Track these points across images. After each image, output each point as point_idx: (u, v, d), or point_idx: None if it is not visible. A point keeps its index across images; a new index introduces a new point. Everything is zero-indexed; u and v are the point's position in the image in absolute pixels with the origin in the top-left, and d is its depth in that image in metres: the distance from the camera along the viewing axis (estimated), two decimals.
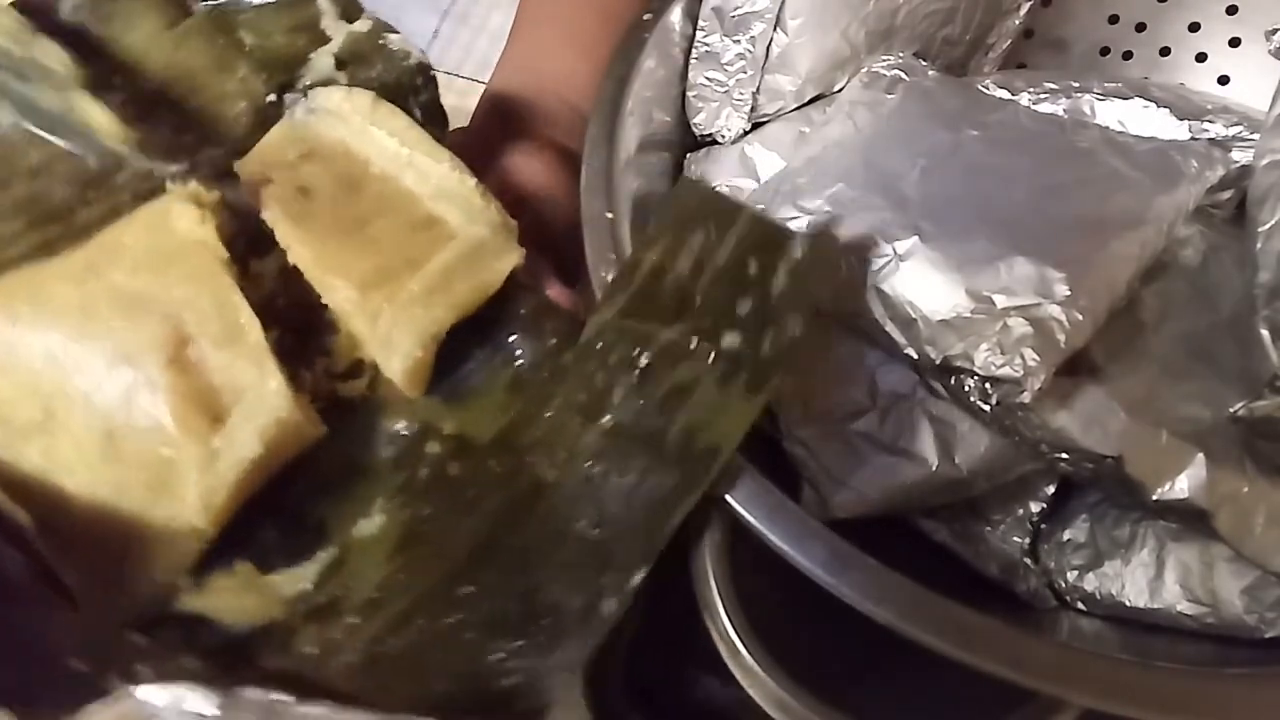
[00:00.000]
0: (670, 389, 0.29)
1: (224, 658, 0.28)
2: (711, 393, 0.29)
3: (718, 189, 0.31)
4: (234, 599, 0.30)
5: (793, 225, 0.34)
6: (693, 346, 0.29)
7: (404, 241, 0.33)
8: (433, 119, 0.39)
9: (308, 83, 0.38)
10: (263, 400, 0.31)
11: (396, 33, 0.39)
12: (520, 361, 0.33)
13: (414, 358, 0.32)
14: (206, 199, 0.34)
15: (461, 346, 0.33)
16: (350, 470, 0.32)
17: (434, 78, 0.39)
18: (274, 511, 0.31)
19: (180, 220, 0.33)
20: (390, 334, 0.32)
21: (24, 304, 0.32)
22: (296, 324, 0.34)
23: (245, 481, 0.30)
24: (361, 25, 0.39)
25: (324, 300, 0.33)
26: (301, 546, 0.31)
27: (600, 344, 0.31)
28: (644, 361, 0.30)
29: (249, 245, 0.34)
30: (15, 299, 0.32)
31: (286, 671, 0.28)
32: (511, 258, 0.33)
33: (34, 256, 0.33)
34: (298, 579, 0.30)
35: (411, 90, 0.38)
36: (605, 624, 0.28)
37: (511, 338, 0.33)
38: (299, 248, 0.33)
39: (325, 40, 0.39)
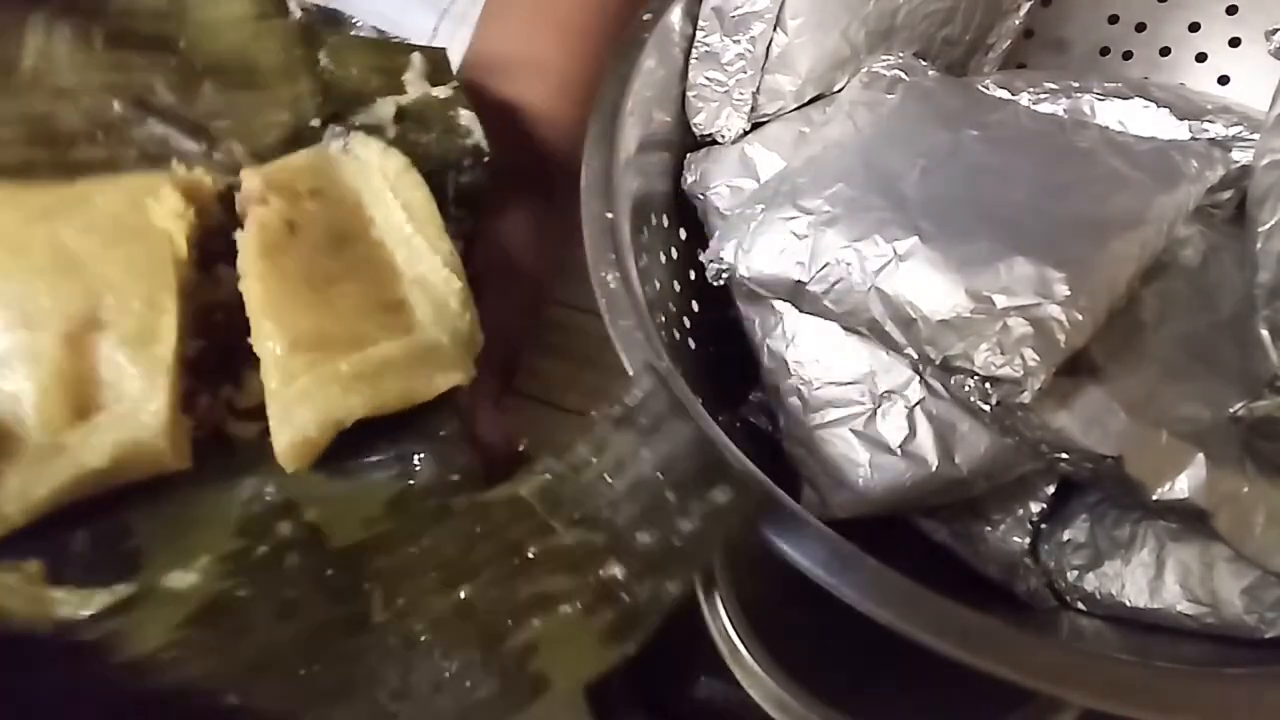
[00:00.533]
0: (536, 595, 0.27)
1: None
2: (569, 619, 0.26)
3: (671, 386, 0.29)
4: (4, 596, 0.27)
5: (793, 225, 0.34)
6: (578, 561, 0.27)
7: (361, 316, 0.31)
8: (465, 202, 0.38)
9: (359, 122, 0.37)
10: (135, 416, 0.29)
11: (470, 110, 0.39)
12: (413, 482, 0.30)
13: (304, 436, 0.29)
14: (207, 187, 0.33)
15: (368, 438, 0.31)
16: (194, 513, 0.30)
17: (486, 163, 0.38)
18: (94, 521, 0.29)
19: (160, 203, 0.32)
20: (294, 404, 0.30)
21: None
22: (226, 344, 0.32)
23: (76, 488, 0.28)
24: (441, 92, 0.38)
25: (250, 340, 0.31)
26: (104, 569, 0.28)
27: (498, 514, 0.29)
28: (530, 553, 0.28)
29: (228, 248, 0.33)
30: None
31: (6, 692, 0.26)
32: (455, 377, 0.31)
33: (14, 172, 0.32)
34: (81, 602, 0.27)
35: (455, 167, 0.37)
36: None
37: (418, 455, 0.31)
38: (252, 281, 0.31)
39: (400, 91, 0.38)
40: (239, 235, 0.32)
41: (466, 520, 0.29)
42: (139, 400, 0.29)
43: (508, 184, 0.41)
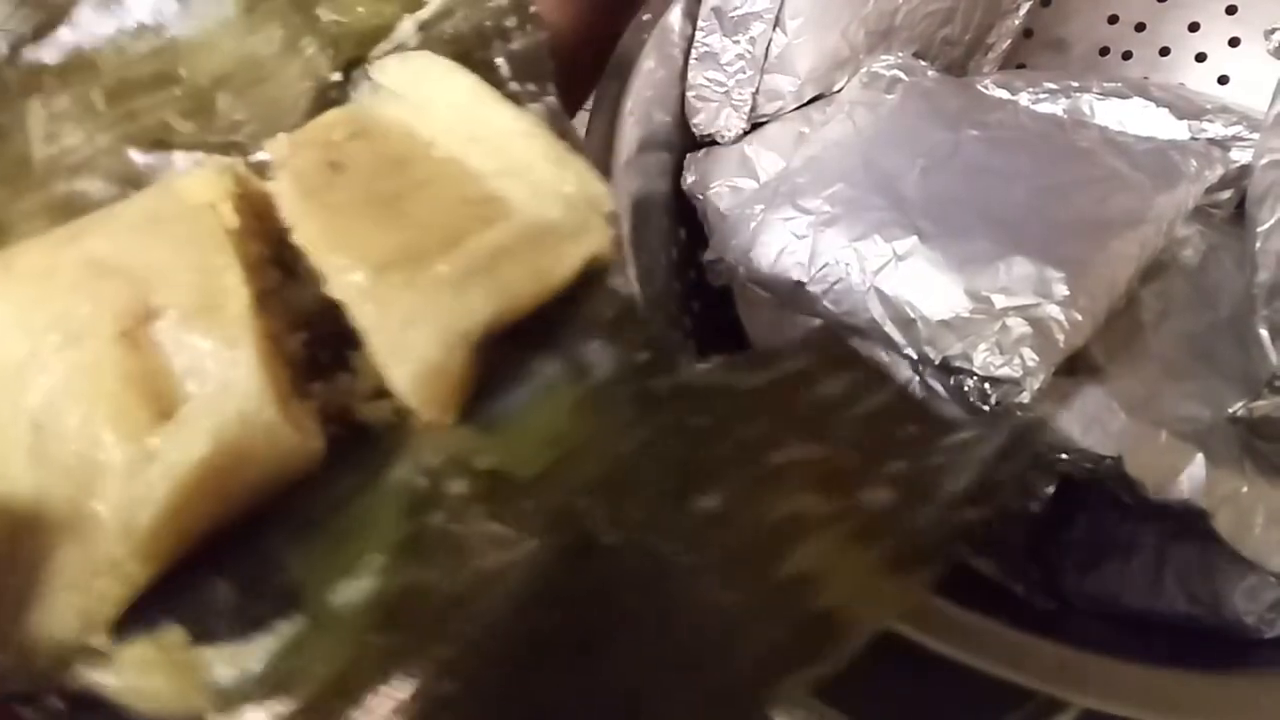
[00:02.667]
0: (791, 515, 0.22)
1: None
2: (836, 547, 0.21)
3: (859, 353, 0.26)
4: (143, 676, 0.21)
5: (792, 225, 0.34)
6: (831, 479, 0.22)
7: (445, 217, 0.25)
8: (527, 72, 0.31)
9: (381, 54, 0.31)
10: (227, 389, 0.23)
11: None
12: (596, 378, 0.24)
13: (426, 364, 0.23)
14: (248, 178, 0.28)
15: (519, 357, 0.25)
16: (348, 517, 0.24)
17: (535, 15, 0.32)
18: (234, 561, 0.23)
19: (192, 184, 0.27)
20: (402, 331, 0.23)
21: None
22: (328, 331, 0.26)
23: (185, 499, 0.22)
24: None
25: (327, 288, 0.25)
26: (259, 613, 0.22)
27: (720, 405, 0.23)
28: (773, 461, 0.22)
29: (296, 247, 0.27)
30: None
31: None
32: (591, 241, 0.25)
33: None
34: (241, 659, 0.22)
35: (499, 35, 0.31)
36: None
37: (588, 345, 0.25)
38: (304, 222, 0.25)
39: (420, 5, 0.32)
40: (271, 186, 0.27)
41: (683, 408, 0.23)
42: (226, 369, 0.23)
43: None
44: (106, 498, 0.22)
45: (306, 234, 0.25)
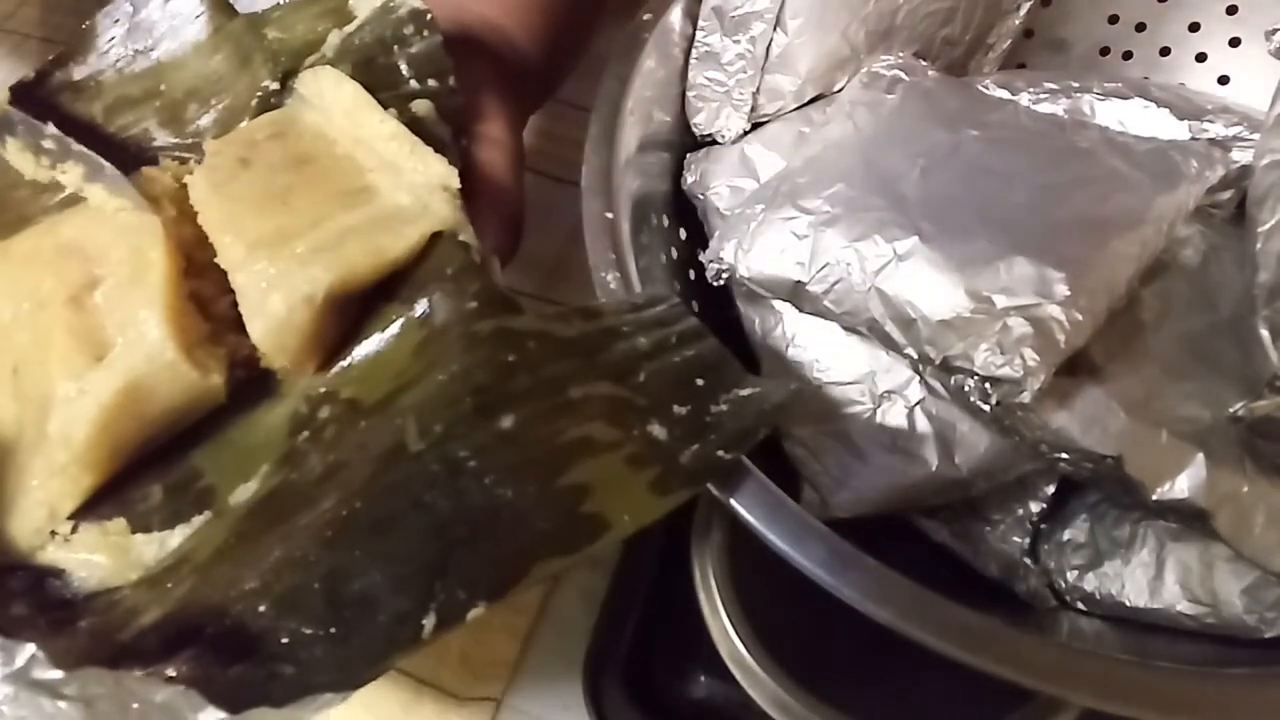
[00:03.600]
0: (580, 438, 0.27)
1: (56, 613, 0.27)
2: (617, 468, 0.27)
3: (691, 311, 0.31)
4: (92, 555, 0.29)
5: (792, 225, 0.34)
6: (622, 412, 0.28)
7: (318, 205, 0.31)
8: (427, 69, 0.36)
9: (310, 66, 0.37)
10: (141, 337, 0.29)
11: None
12: (433, 323, 0.30)
13: (275, 318, 0.29)
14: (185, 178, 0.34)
15: (384, 308, 0.31)
16: (253, 438, 0.30)
17: (432, 21, 0.36)
18: (167, 474, 0.30)
19: (138, 181, 0.33)
20: (261, 294, 0.29)
21: None
22: None
23: (109, 419, 0.29)
24: None
25: (218, 260, 0.31)
26: (183, 510, 0.29)
27: (533, 346, 0.28)
28: (572, 395, 0.28)
29: None
30: None
31: (95, 629, 0.26)
32: (425, 224, 0.31)
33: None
34: (165, 543, 0.29)
35: (398, 41, 0.36)
36: (418, 643, 0.24)
37: (432, 297, 0.30)
38: (206, 209, 0.31)
39: (349, 20, 0.38)
40: (188, 179, 0.33)
41: (496, 347, 0.28)
42: (141, 323, 0.30)
43: (479, 103, 0.38)
44: (56, 420, 0.29)
45: (208, 218, 0.31)
